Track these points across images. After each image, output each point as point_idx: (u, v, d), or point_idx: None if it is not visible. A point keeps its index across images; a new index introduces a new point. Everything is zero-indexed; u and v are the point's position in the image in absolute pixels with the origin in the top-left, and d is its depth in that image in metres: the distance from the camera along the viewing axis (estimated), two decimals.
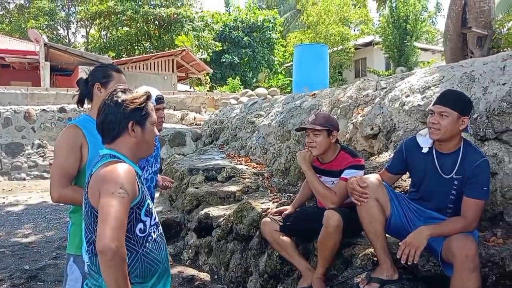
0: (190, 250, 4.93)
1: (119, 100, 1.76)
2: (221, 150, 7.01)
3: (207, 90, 22.10)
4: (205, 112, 11.74)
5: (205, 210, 4.85)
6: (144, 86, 3.12)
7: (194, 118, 10.62)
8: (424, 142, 2.58)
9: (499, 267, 2.39)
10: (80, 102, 2.41)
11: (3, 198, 8.40)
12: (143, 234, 1.75)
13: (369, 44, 25.38)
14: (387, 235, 2.69)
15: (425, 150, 2.57)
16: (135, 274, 1.70)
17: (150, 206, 1.81)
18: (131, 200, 1.65)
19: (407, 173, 2.84)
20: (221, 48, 26.55)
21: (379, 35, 23.11)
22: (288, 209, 3.27)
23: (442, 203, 2.53)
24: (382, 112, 4.02)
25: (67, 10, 33.21)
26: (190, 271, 4.62)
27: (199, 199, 5.11)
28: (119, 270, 1.53)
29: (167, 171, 6.37)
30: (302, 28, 27.62)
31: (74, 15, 32.27)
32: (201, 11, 28.32)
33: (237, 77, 24.53)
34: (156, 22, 25.50)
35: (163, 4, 25.20)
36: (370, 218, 2.58)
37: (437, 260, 2.45)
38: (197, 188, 5.31)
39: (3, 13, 32.71)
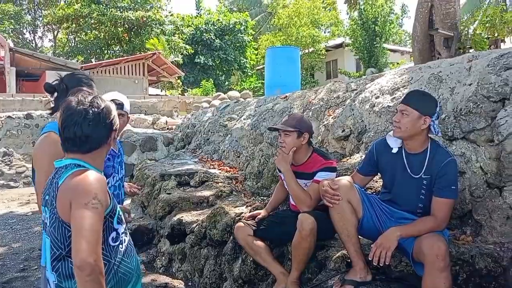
0: (163, 258, 4.85)
1: (104, 110, 1.68)
2: (193, 155, 6.93)
3: (179, 94, 21.93)
4: (177, 116, 11.62)
5: (178, 216, 4.78)
6: (110, 93, 3.08)
7: (166, 122, 10.48)
8: (393, 142, 2.61)
9: (469, 265, 2.43)
10: (56, 111, 2.31)
11: None
12: (116, 243, 1.69)
13: (340, 46, 25.70)
14: (360, 236, 2.70)
15: (394, 150, 2.60)
16: (110, 286, 1.64)
17: (120, 213, 1.76)
18: (104, 210, 1.58)
19: (379, 174, 2.86)
20: (193, 50, 26.42)
21: (349, 37, 23.39)
22: (261, 213, 3.25)
23: (413, 203, 2.55)
24: (353, 114, 4.04)
25: (33, 13, 32.44)
26: (164, 279, 4.54)
27: (172, 205, 5.03)
28: (97, 284, 1.47)
29: (138, 177, 6.26)
30: (274, 30, 27.73)
31: (40, 19, 31.52)
32: (171, 15, 28.10)
33: (211, 79, 24.46)
34: (126, 25, 25.13)
35: (131, 7, 24.85)
36: (343, 220, 2.59)
37: (408, 260, 2.47)
38: (169, 193, 5.23)
39: None
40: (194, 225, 4.50)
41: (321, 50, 24.70)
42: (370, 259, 2.39)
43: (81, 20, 24.95)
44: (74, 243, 1.48)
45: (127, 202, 6.50)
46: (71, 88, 2.26)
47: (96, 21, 24.66)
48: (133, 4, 25.06)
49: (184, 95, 21.41)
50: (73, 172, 1.60)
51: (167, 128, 9.94)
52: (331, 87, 4.78)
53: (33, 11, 32.41)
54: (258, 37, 29.74)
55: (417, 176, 2.50)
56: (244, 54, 29.88)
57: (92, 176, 1.59)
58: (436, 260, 2.20)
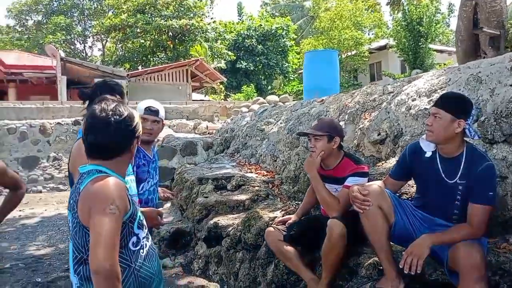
0: (200, 260, 4.91)
1: (126, 118, 1.72)
2: (231, 159, 6.98)
3: (222, 99, 22.21)
4: (218, 120, 11.77)
5: (215, 219, 4.83)
6: (146, 100, 3.17)
7: (207, 127, 10.63)
8: (427, 146, 2.52)
9: (510, 275, 2.30)
10: None
11: (20, 211, 8.48)
12: (136, 248, 1.72)
13: (384, 47, 25.21)
14: (392, 243, 2.63)
15: (428, 154, 2.51)
16: None
17: (141, 218, 1.78)
18: (122, 216, 1.62)
19: (412, 179, 2.77)
20: (235, 56, 26.71)
21: (392, 38, 22.89)
22: (292, 218, 3.22)
23: (448, 209, 2.45)
24: (389, 117, 3.94)
25: (83, 24, 33.84)
26: (200, 282, 4.58)
27: (209, 209, 5.09)
28: None
29: (177, 180, 6.37)
30: (316, 34, 27.57)
31: (90, 29, 32.86)
32: (213, 22, 28.54)
33: (252, 84, 24.62)
34: (170, 33, 25.76)
35: (175, 16, 25.44)
36: (373, 227, 2.52)
37: (443, 268, 2.38)
38: (206, 197, 5.29)
39: (22, 30, 33.47)
40: (230, 228, 4.52)
41: (364, 53, 24.31)
42: (401, 266, 2.31)
43: (127, 29, 25.81)
44: (91, 248, 1.52)
45: (167, 205, 6.64)
46: (107, 94, 2.33)
47: (141, 30, 25.43)
48: (176, 13, 25.65)
49: (227, 100, 21.64)
50: (94, 178, 1.64)
51: (208, 133, 10.08)
52: (367, 89, 4.69)
53: (83, 22, 33.84)
54: (300, 41, 29.67)
55: (452, 182, 2.40)
56: (286, 58, 29.89)
57: (111, 182, 1.62)
58: (471, 270, 2.11)
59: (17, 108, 12.26)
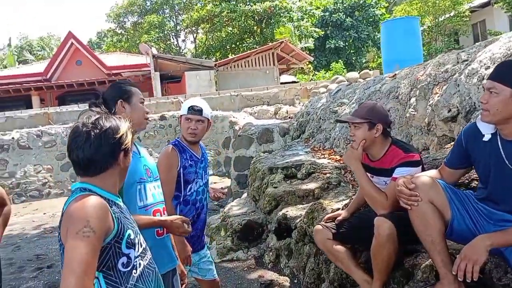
0: (271, 253, 4.80)
1: (108, 130, 1.61)
2: (306, 144, 6.73)
3: (311, 79, 21.74)
4: (299, 103, 11.46)
5: (283, 210, 4.69)
6: (192, 98, 3.08)
7: (287, 111, 10.38)
8: (485, 128, 2.10)
9: None
10: None
11: None
12: (127, 269, 1.61)
13: (487, 4, 22.70)
14: (454, 242, 2.26)
15: (486, 137, 2.09)
16: None
17: (132, 237, 1.66)
18: (101, 237, 1.50)
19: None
20: (324, 33, 25.99)
21: None
22: (342, 214, 2.92)
23: None
24: (459, 90, 3.42)
25: (174, 20, 35.23)
26: (271, 275, 4.49)
27: (278, 199, 4.96)
28: None
29: (251, 170, 6.31)
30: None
31: (181, 23, 34.11)
32: (299, 0, 27.99)
33: (340, 61, 23.78)
34: (256, 18, 25.78)
35: (259, 0, 25.37)
36: (424, 225, 2.18)
37: None
38: (275, 187, 5.16)
39: (121, 31, 35.83)
40: (298, 220, 4.35)
41: (464, 12, 22.09)
42: (454, 273, 1.97)
43: (214, 19, 26.35)
44: (62, 276, 1.42)
45: (244, 195, 6.62)
46: (109, 100, 2.27)
47: (228, 18, 25.79)
48: None
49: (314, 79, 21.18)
50: (75, 197, 1.55)
51: (289, 117, 9.85)
52: (440, 59, 4.12)
53: (174, 17, 35.18)
54: (393, 9, 27.89)
55: None
56: (378, 29, 28.33)
57: (90, 201, 1.51)
58: None
59: None
